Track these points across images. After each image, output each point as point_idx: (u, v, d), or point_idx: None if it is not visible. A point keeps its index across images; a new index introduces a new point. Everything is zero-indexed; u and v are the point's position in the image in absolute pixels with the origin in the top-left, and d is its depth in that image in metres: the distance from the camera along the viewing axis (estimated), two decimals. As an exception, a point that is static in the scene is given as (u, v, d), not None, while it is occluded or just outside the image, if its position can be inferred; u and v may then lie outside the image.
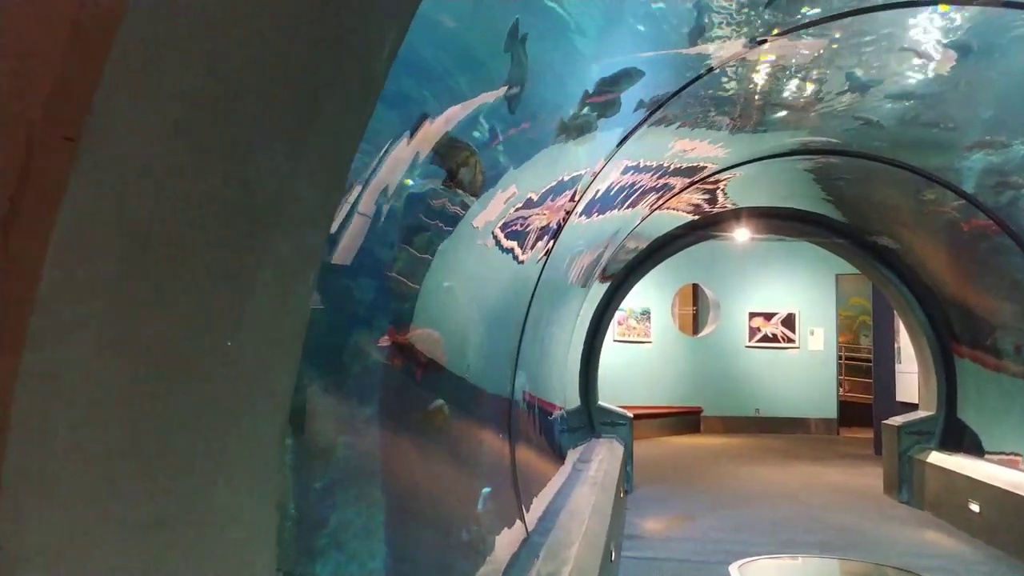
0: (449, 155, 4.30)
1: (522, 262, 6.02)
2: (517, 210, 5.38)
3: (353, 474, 2.98)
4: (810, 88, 8.14)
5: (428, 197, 3.85)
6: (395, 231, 3.58)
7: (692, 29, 5.81)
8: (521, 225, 5.71)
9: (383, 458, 3.33)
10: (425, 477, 3.90)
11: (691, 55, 6.18)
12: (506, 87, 4.24)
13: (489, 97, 4.17)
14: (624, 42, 5.32)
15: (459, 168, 4.16)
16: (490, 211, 4.78)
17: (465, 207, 4.37)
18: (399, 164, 3.35)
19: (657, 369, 20.50)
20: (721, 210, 13.28)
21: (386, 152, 3.17)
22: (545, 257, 6.58)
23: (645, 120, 6.49)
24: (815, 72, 7.61)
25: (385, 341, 3.55)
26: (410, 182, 3.61)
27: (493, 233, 5.16)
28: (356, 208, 3.02)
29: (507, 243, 5.61)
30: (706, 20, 5.79)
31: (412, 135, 3.43)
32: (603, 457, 10.42)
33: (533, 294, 6.59)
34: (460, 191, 4.19)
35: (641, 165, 8.21)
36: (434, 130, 3.64)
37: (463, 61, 3.76)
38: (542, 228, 6.15)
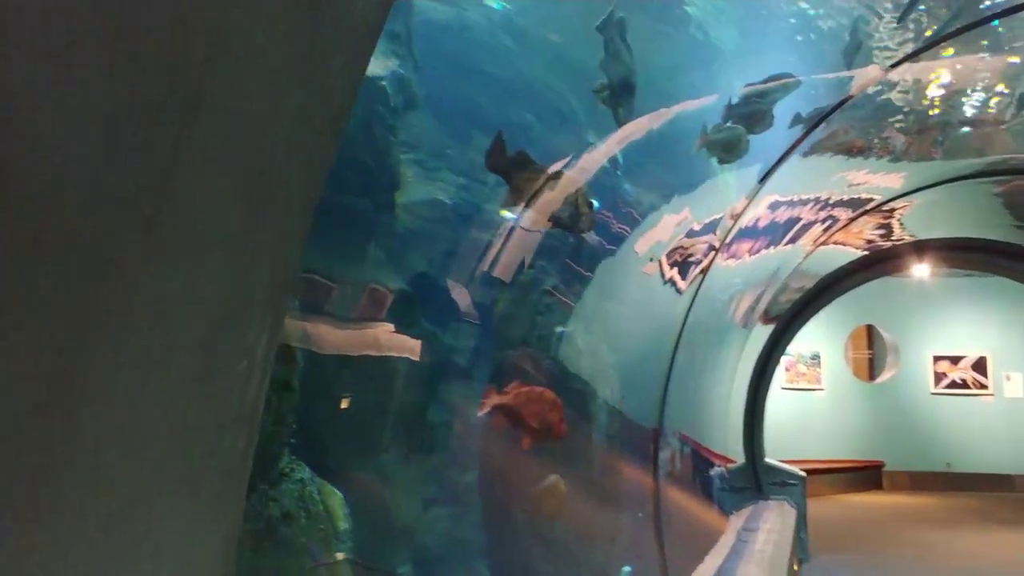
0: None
1: (680, 292, 5.66)
2: (675, 240, 5.05)
3: (446, 556, 2.57)
4: (998, 103, 7.17)
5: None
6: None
7: (850, 41, 5.18)
8: (680, 255, 5.42)
9: (487, 533, 2.90)
10: (543, 556, 3.43)
11: (855, 64, 5.52)
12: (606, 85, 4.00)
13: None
14: (774, 45, 4.79)
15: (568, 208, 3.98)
16: (649, 237, 4.60)
17: (627, 231, 4.20)
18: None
19: (830, 419, 18.99)
20: (897, 243, 12.10)
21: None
22: (697, 290, 6.13)
23: (803, 139, 5.86)
24: (1002, 85, 6.68)
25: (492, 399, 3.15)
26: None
27: (652, 260, 4.91)
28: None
29: (668, 272, 5.40)
30: (872, 25, 5.15)
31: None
32: (772, 526, 9.44)
33: (683, 327, 6.12)
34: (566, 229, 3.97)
35: (801, 194, 7.50)
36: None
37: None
38: (693, 259, 5.75)
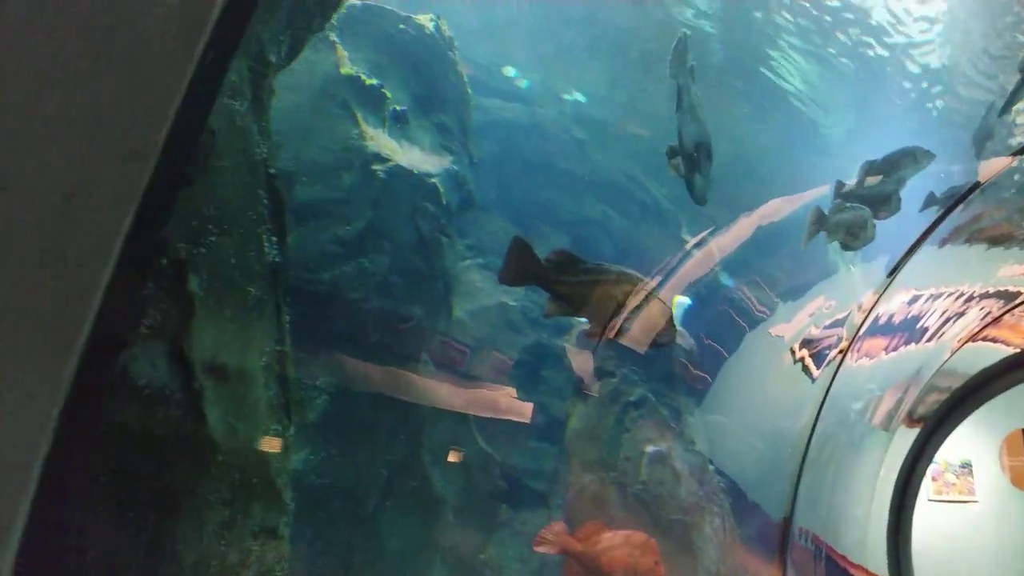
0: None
1: (808, 394, 5.03)
2: (799, 338, 4.51)
3: None
4: None
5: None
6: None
7: (980, 126, 4.50)
8: (806, 354, 4.89)
9: None
10: None
11: (985, 152, 4.81)
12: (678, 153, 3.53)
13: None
14: (894, 128, 4.17)
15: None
16: (770, 338, 4.10)
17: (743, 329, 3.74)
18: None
19: (988, 536, 16.90)
20: (1059, 338, 10.72)
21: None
22: (827, 392, 5.42)
23: (937, 224, 5.11)
24: None
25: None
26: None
27: (776, 361, 4.41)
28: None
29: (793, 372, 4.89)
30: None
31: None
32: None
33: (811, 434, 5.40)
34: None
35: (940, 287, 6.63)
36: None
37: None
38: (819, 358, 5.11)
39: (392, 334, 7.50)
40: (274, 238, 3.77)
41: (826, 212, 4.66)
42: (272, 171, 4.09)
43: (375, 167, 7.83)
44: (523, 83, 12.34)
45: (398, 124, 8.34)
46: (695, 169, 4.54)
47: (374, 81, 8.30)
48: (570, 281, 3.72)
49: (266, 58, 4.66)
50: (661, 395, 8.25)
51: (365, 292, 7.42)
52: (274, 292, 3.86)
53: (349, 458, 7.25)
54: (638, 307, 3.77)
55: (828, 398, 5.83)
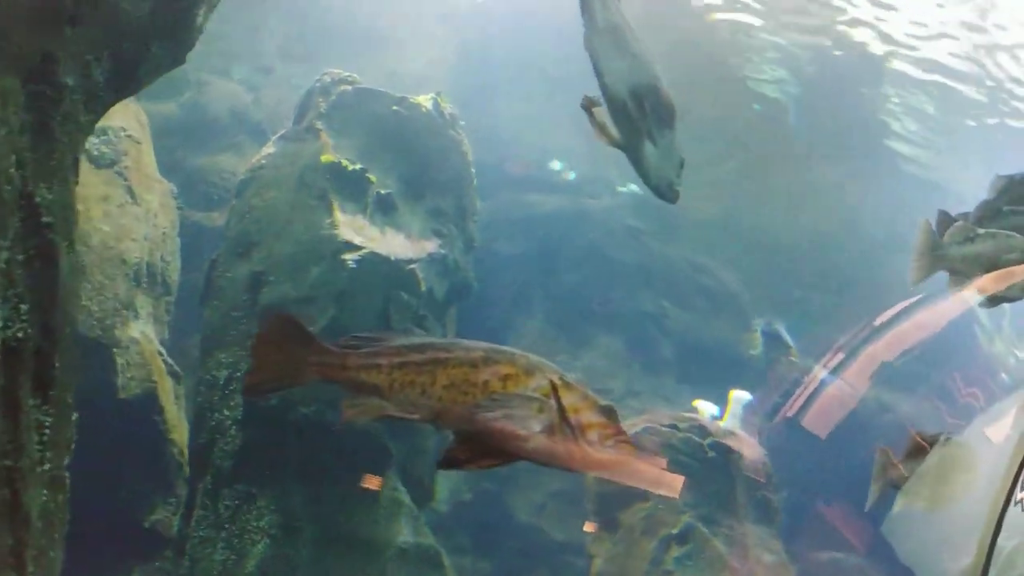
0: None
1: None
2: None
3: None
4: None
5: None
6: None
7: None
8: None
9: None
10: None
11: None
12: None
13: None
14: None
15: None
16: None
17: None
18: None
19: None
20: None
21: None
22: None
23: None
24: None
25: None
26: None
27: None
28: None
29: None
30: None
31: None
32: None
33: None
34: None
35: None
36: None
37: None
38: None
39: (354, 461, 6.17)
40: None
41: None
42: None
43: (345, 256, 6.71)
44: (570, 175, 11.19)
45: (382, 209, 7.24)
46: (640, 130, 2.99)
47: (357, 166, 7.30)
48: (389, 365, 2.21)
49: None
50: (715, 522, 6.41)
51: (318, 406, 6.13)
52: None
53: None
54: (544, 406, 2.15)
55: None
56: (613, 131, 3.06)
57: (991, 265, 3.68)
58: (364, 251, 6.73)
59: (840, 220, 10.54)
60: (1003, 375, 10.81)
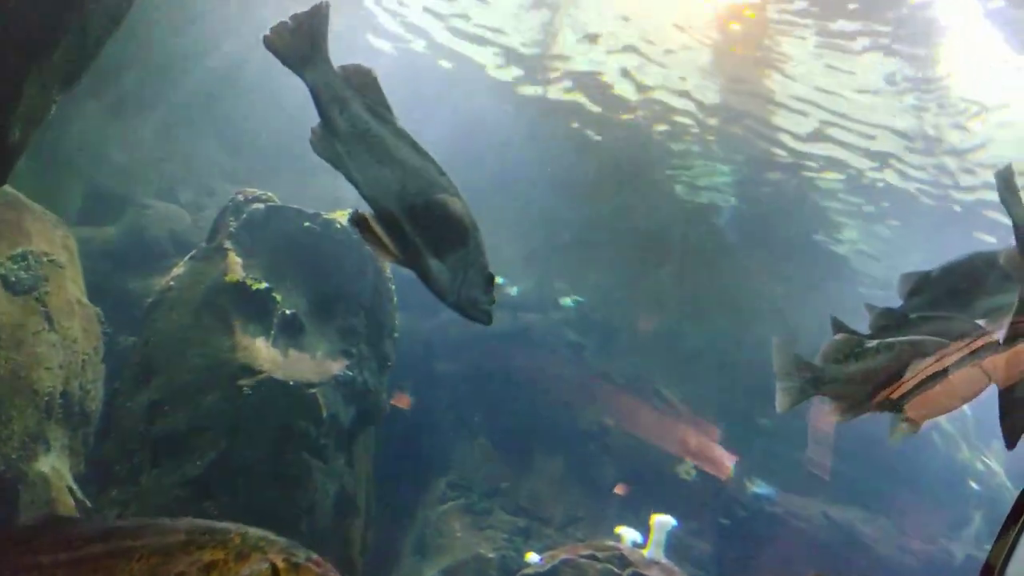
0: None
1: None
2: None
3: None
4: None
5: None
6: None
7: None
8: None
9: None
10: None
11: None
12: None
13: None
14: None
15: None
16: None
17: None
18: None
19: None
20: None
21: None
22: None
23: None
24: None
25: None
26: None
27: None
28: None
29: None
30: None
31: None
32: None
33: None
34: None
35: None
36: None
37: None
38: None
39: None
40: None
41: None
42: None
43: (242, 382, 6.22)
44: (512, 290, 10.88)
45: (287, 330, 6.83)
46: (418, 247, 2.64)
47: (263, 285, 6.92)
48: (52, 565, 1.73)
49: None
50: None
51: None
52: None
53: None
54: None
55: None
56: (392, 247, 2.71)
57: (888, 381, 3.15)
58: (261, 376, 6.26)
59: (783, 328, 10.20)
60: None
